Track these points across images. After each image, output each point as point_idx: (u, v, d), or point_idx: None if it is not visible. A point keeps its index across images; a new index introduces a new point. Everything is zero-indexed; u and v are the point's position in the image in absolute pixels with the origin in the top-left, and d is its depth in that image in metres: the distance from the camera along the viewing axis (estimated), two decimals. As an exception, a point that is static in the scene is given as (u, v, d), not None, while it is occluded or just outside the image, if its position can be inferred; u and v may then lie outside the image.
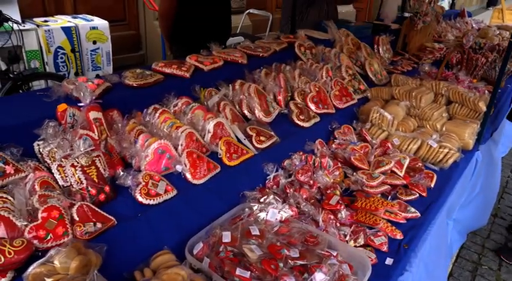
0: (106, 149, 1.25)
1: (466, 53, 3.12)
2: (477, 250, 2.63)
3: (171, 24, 2.30)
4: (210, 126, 1.45)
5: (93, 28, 3.18)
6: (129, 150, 1.26)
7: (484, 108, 2.02)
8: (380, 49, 2.92)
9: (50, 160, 1.12)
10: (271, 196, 1.30)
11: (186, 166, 1.29)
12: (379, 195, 1.53)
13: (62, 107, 1.25)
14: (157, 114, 1.44)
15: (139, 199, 1.15)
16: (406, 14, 3.91)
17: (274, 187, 1.48)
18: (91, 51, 3.14)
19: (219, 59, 1.86)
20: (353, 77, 2.25)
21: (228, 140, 1.46)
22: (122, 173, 1.19)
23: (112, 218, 1.07)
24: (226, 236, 1.11)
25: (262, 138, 1.57)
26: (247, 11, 4.75)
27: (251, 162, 1.49)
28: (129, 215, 1.12)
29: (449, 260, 2.39)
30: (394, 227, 1.38)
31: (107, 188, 1.13)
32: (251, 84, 1.76)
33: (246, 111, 1.69)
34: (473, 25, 4.79)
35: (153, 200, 1.16)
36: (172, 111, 1.52)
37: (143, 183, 1.18)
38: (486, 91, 2.44)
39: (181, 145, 1.34)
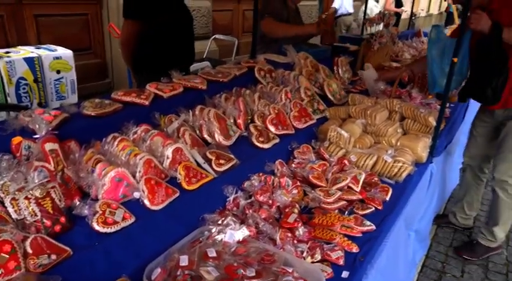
0: (62, 180, 1.26)
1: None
2: (441, 258, 2.72)
3: (133, 52, 2.35)
4: (169, 152, 1.48)
5: (57, 58, 3.16)
6: (86, 179, 1.28)
7: (434, 123, 2.14)
8: (339, 70, 3.05)
9: (3, 193, 1.12)
10: (229, 218, 1.33)
11: (144, 192, 1.32)
12: (337, 211, 1.59)
13: (16, 140, 1.26)
14: (116, 143, 1.47)
15: (96, 227, 1.16)
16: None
17: (234, 208, 1.52)
18: (55, 81, 3.11)
19: (179, 85, 1.91)
20: (312, 98, 2.35)
21: (187, 164, 1.50)
22: (78, 203, 1.20)
23: (68, 248, 1.07)
24: (184, 260, 1.13)
25: (221, 161, 1.62)
26: (213, 37, 4.87)
27: (211, 185, 1.52)
28: (85, 244, 1.13)
29: (414, 270, 2.46)
30: (350, 241, 1.43)
31: (63, 219, 1.14)
32: (211, 109, 1.82)
33: (206, 136, 1.74)
34: (430, 44, 5.01)
35: (111, 228, 1.18)
36: (131, 139, 1.55)
37: (100, 212, 1.19)
38: (438, 106, 2.58)
39: (140, 172, 1.37)
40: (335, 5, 7.28)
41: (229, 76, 2.18)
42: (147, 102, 1.72)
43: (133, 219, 1.25)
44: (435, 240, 2.93)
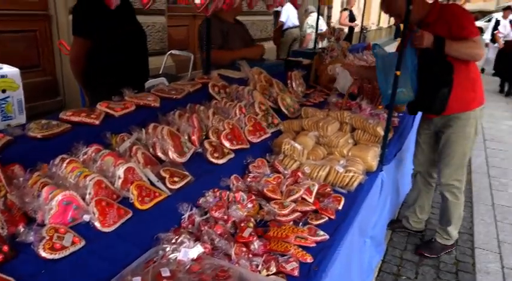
0: (5, 206, 1.21)
1: (371, 83, 3.46)
2: (396, 262, 2.83)
3: (83, 69, 2.30)
4: (120, 171, 1.46)
5: (2, 76, 3.03)
6: (31, 204, 1.24)
7: (382, 133, 2.25)
8: (293, 84, 3.13)
9: None
10: (183, 235, 1.33)
11: (94, 214, 1.29)
12: (291, 222, 1.63)
13: (-45, 166, 1.20)
14: (64, 165, 1.43)
15: (43, 254, 1.12)
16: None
17: (190, 226, 1.51)
18: (0, 100, 2.98)
19: (131, 104, 1.90)
20: (266, 112, 2.40)
21: (139, 184, 1.48)
22: (23, 229, 1.16)
23: (11, 279, 1.03)
24: (137, 282, 1.12)
25: (175, 179, 1.62)
26: (169, 52, 4.86)
27: (165, 204, 1.51)
28: (31, 273, 1.09)
29: (371, 275, 2.54)
30: (304, 252, 1.46)
31: (6, 248, 1.09)
32: (164, 126, 1.81)
33: (159, 154, 1.73)
34: (379, 56, 5.22)
35: (58, 254, 1.14)
36: (81, 160, 1.51)
37: (47, 237, 1.15)
38: (386, 116, 2.72)
39: (90, 194, 1.34)
40: (282, 19, 7.61)
41: (183, 93, 2.18)
42: (97, 122, 1.69)
43: (83, 243, 1.22)
44: (390, 245, 3.05)
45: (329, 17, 10.81)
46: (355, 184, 1.95)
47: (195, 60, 4.74)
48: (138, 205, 1.43)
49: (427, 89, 2.48)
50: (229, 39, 3.10)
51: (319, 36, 3.55)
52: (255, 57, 3.21)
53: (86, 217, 1.27)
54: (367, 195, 2.03)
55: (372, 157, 2.17)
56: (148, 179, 1.57)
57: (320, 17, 5.08)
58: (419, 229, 3.14)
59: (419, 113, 2.88)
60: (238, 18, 3.51)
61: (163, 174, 1.61)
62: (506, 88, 8.76)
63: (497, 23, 9.64)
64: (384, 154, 2.28)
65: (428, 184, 3.00)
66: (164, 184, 1.58)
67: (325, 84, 3.56)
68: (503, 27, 9.01)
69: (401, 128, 3.01)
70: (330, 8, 10.97)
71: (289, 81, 3.11)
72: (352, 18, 9.06)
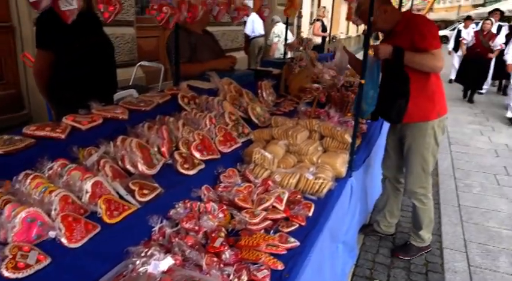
0: (-35, 226, 1.17)
1: (339, 91, 3.56)
2: (369, 266, 2.88)
3: (47, 82, 2.26)
4: (88, 186, 1.44)
5: (-37, 91, 2.92)
6: (-7, 223, 1.20)
7: (350, 140, 2.31)
8: (263, 93, 3.18)
9: None
10: (153, 248, 1.32)
11: (60, 230, 1.26)
12: (263, 231, 1.64)
13: None
14: (28, 181, 1.39)
15: (6, 274, 1.09)
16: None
17: (160, 238, 1.50)
18: (-39, 116, 2.87)
19: (99, 117, 1.88)
20: (236, 122, 2.42)
21: (108, 197, 1.47)
22: (-16, 249, 1.12)
23: (-29, 300, 1.00)
24: (105, 297, 1.10)
25: (145, 191, 1.61)
26: (139, 64, 4.82)
27: (134, 217, 1.50)
28: (-7, 294, 1.06)
29: (344, 280, 2.58)
30: (275, 259, 1.48)
31: (-34, 269, 1.06)
32: (133, 139, 1.80)
33: (128, 167, 1.72)
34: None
35: (23, 273, 1.11)
36: (46, 175, 1.48)
37: (10, 256, 1.12)
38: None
39: (55, 210, 1.31)
40: (247, 31, 7.84)
41: (152, 104, 2.18)
42: (63, 136, 1.66)
43: (49, 260, 1.19)
44: (363, 249, 3.11)
45: (299, 27, 11.02)
46: (325, 190, 1.99)
47: (165, 71, 4.73)
48: (106, 219, 1.41)
49: (385, 98, 2.54)
50: (198, 51, 3.11)
51: (288, 46, 3.61)
52: (225, 68, 3.23)
53: (52, 234, 1.25)
54: (337, 201, 2.07)
55: (340, 164, 2.22)
56: (117, 193, 1.55)
57: (286, 25, 5.18)
58: (389, 232, 3.22)
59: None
60: (208, 28, 3.53)
61: (132, 187, 1.60)
62: (468, 94, 9.04)
63: (459, 32, 10.07)
64: (353, 160, 2.33)
65: (397, 189, 3.08)
66: (133, 196, 1.57)
67: (295, 93, 3.63)
68: (467, 34, 9.23)
69: (370, 135, 3.09)
70: (299, 17, 11.19)
71: (259, 91, 3.15)
72: (324, 28, 9.32)
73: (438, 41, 2.48)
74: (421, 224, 2.88)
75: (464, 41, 9.20)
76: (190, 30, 3.08)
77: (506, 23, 9.53)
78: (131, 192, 1.57)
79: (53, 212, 1.31)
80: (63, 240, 1.26)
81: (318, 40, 8.82)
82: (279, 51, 7.82)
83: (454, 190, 4.26)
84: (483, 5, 30.38)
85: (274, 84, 3.35)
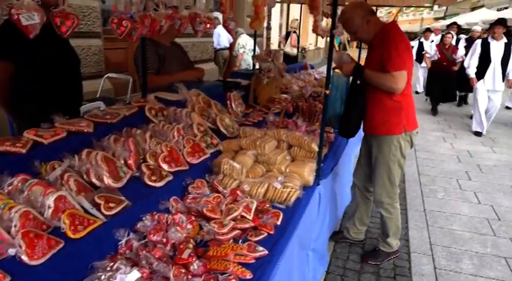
0: None
1: (307, 101, 3.63)
2: (340, 272, 2.93)
3: (8, 95, 2.19)
4: (50, 201, 1.41)
5: None
6: None
7: (316, 149, 2.36)
8: (232, 104, 3.21)
9: None
10: (119, 262, 1.31)
11: (21, 247, 1.23)
12: (231, 240, 1.65)
13: None
14: (-14, 197, 1.35)
15: (-38, 294, 1.05)
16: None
17: (127, 251, 1.49)
18: None
19: (62, 130, 1.84)
20: (205, 133, 2.43)
21: (71, 212, 1.44)
22: None
23: None
24: (68, 314, 1.08)
25: (111, 204, 1.58)
26: (106, 75, 4.76)
27: (100, 231, 1.48)
28: None
29: (315, 288, 2.61)
30: (244, 269, 1.49)
31: None
32: (98, 152, 1.78)
33: (94, 180, 1.69)
34: (316, 76, 5.48)
35: (-20, 292, 1.07)
36: (6, 191, 1.44)
37: (-33, 276, 1.08)
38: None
39: (15, 226, 1.27)
40: (215, 44, 8.04)
41: (118, 117, 2.16)
42: (23, 151, 1.62)
43: (8, 279, 1.16)
44: (334, 256, 3.15)
45: (268, 39, 11.19)
46: (293, 199, 2.02)
47: (134, 83, 4.68)
48: (70, 234, 1.38)
49: (345, 112, 2.65)
50: (166, 63, 3.11)
51: (256, 58, 3.67)
52: (193, 79, 3.25)
53: (12, 251, 1.21)
54: (305, 209, 2.11)
55: (308, 172, 2.26)
56: (82, 207, 1.53)
57: (254, 38, 5.25)
58: (359, 239, 3.28)
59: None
60: (178, 40, 3.54)
61: (98, 200, 1.57)
62: (434, 106, 8.90)
63: (421, 44, 10.43)
64: (320, 169, 2.38)
65: (366, 197, 3.14)
66: (99, 210, 1.54)
67: (264, 104, 3.68)
68: (429, 48, 9.26)
69: (337, 144, 3.16)
70: (268, 29, 11.37)
71: (228, 102, 3.18)
72: (298, 40, 9.51)
73: (403, 63, 2.44)
74: (389, 232, 2.97)
75: (428, 55, 9.16)
76: (158, 42, 3.08)
77: (464, 35, 9.97)
78: (97, 206, 1.55)
79: (13, 229, 1.27)
80: (24, 257, 1.23)
81: (295, 51, 9.01)
82: (245, 62, 7.99)
83: (420, 196, 4.40)
84: (443, 18, 31.88)
85: (243, 95, 3.39)
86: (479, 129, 7.04)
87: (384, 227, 2.99)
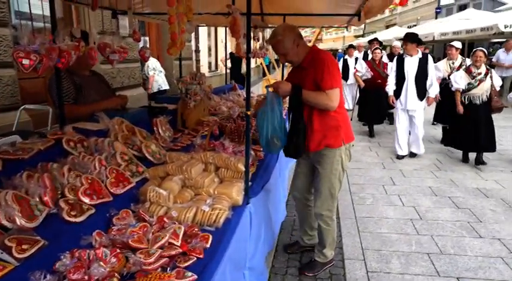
0: None
1: (235, 121, 3.70)
2: (279, 288, 2.98)
3: None
4: (-50, 250, 1.29)
5: None
6: None
7: (243, 168, 2.41)
8: (159, 130, 3.17)
9: None
10: (33, 308, 1.22)
11: None
12: (159, 269, 1.62)
13: None
14: None
15: None
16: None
17: (44, 295, 1.40)
18: None
19: (-36, 172, 1.70)
20: (129, 161, 2.38)
21: (-23, 260, 1.33)
22: None
23: None
24: None
25: (24, 246, 1.48)
26: (23, 107, 4.47)
27: (12, 276, 1.38)
28: None
29: (254, 306, 2.61)
30: (172, 297, 1.47)
31: None
32: (8, 191, 1.67)
33: (4, 222, 1.57)
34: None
35: None
36: None
37: None
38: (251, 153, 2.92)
39: None
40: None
41: (32, 152, 2.04)
42: None
43: None
44: (273, 271, 3.20)
45: (198, 61, 11.27)
46: (222, 220, 2.04)
47: (54, 114, 4.43)
48: (-25, 285, 1.27)
49: (289, 134, 2.78)
50: (84, 92, 3.01)
51: (180, 82, 3.68)
52: (116, 107, 3.17)
53: None
54: (235, 229, 2.13)
55: (236, 192, 2.29)
56: (-10, 253, 1.41)
57: (179, 62, 5.27)
58: (314, 243, 3.38)
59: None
60: (102, 66, 3.45)
61: (8, 243, 1.46)
62: (370, 129, 8.38)
63: (345, 61, 10.60)
64: (248, 188, 2.43)
65: (307, 206, 3.27)
66: (10, 254, 1.44)
67: (192, 127, 3.69)
68: (360, 66, 8.47)
69: (267, 161, 3.25)
70: (197, 52, 11.46)
71: (155, 128, 3.14)
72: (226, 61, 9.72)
73: (335, 81, 2.63)
74: (325, 243, 3.12)
75: (358, 73, 8.44)
76: (74, 72, 2.98)
77: (384, 52, 9.70)
78: (7, 249, 1.44)
79: None
80: None
81: (205, 74, 9.22)
82: (156, 83, 8.04)
83: (350, 204, 4.63)
84: (362, 36, 34.44)
85: (171, 119, 3.37)
86: (400, 153, 6.56)
87: (321, 238, 3.13)
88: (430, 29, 14.64)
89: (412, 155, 6.57)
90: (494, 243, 3.66)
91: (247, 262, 2.44)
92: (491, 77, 5.79)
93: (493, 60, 11.51)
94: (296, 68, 2.90)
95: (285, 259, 3.39)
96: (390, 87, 6.46)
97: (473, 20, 12.72)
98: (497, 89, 5.94)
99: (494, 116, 6.01)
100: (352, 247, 3.60)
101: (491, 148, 5.96)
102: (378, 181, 5.45)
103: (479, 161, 6.07)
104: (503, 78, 10.61)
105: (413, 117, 6.33)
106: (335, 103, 2.66)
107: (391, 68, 6.62)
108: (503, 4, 20.54)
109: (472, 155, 6.19)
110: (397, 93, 6.37)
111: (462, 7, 23.30)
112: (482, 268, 3.23)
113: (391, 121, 8.81)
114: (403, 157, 6.55)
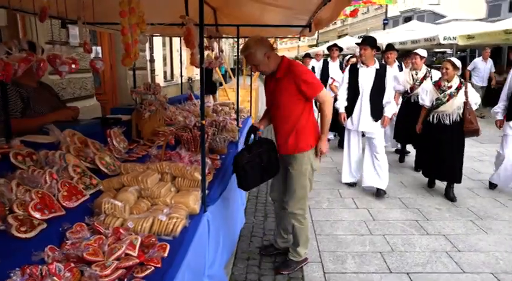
0: None
1: (192, 131, 3.71)
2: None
3: None
4: None
5: None
6: None
7: (199, 177, 2.44)
8: (113, 141, 3.13)
9: None
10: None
11: None
12: (116, 281, 1.61)
13: None
14: None
15: None
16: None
17: (-6, 315, 1.35)
18: None
19: None
20: (83, 174, 2.33)
21: None
22: None
23: None
24: None
25: (-30, 266, 1.43)
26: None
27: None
28: None
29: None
30: (130, 308, 1.47)
31: None
32: (-49, 209, 1.59)
33: None
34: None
35: None
36: None
37: None
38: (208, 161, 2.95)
39: None
40: None
41: (-24, 168, 1.96)
42: None
43: None
44: (232, 279, 3.23)
45: (153, 71, 11.12)
46: (179, 229, 2.05)
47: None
48: None
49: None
50: (32, 105, 2.92)
51: (134, 92, 3.65)
52: (67, 119, 3.09)
53: None
54: (193, 237, 2.14)
55: (193, 201, 2.32)
56: None
57: (133, 72, 5.20)
58: (287, 247, 3.47)
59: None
60: (52, 77, 3.35)
61: (-48, 264, 1.40)
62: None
63: (312, 69, 9.23)
64: (205, 196, 2.46)
65: (284, 208, 3.36)
66: (-46, 275, 1.38)
67: (148, 137, 3.66)
68: (336, 74, 7.55)
69: (224, 169, 3.29)
70: (152, 62, 11.31)
71: (109, 139, 3.09)
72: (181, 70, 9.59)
73: (317, 84, 2.96)
74: (299, 241, 3.29)
75: (336, 83, 7.23)
76: (21, 83, 2.88)
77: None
78: (-49, 270, 1.38)
79: None
80: None
81: (161, 84, 9.12)
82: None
83: (308, 209, 4.75)
84: (316, 45, 35.55)
85: (125, 130, 3.33)
86: (348, 180, 5.50)
87: (295, 236, 3.29)
88: (379, 38, 15.31)
89: (378, 194, 5.11)
90: (439, 239, 3.91)
91: (207, 270, 2.46)
92: (465, 92, 4.67)
93: (468, 68, 11.70)
94: (270, 80, 3.13)
95: (244, 265, 3.42)
96: (341, 102, 5.09)
97: (417, 31, 13.55)
98: (474, 107, 4.72)
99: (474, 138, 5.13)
100: (310, 250, 3.69)
101: (455, 178, 4.93)
102: (332, 185, 5.64)
103: (448, 195, 5.00)
104: (485, 88, 11.15)
105: (373, 140, 4.97)
106: (329, 97, 3.05)
107: (342, 79, 5.25)
108: (444, 17, 22.05)
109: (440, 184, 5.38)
110: (349, 110, 5.05)
111: (407, 19, 24.71)
112: (429, 263, 3.45)
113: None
114: (355, 184, 5.52)
